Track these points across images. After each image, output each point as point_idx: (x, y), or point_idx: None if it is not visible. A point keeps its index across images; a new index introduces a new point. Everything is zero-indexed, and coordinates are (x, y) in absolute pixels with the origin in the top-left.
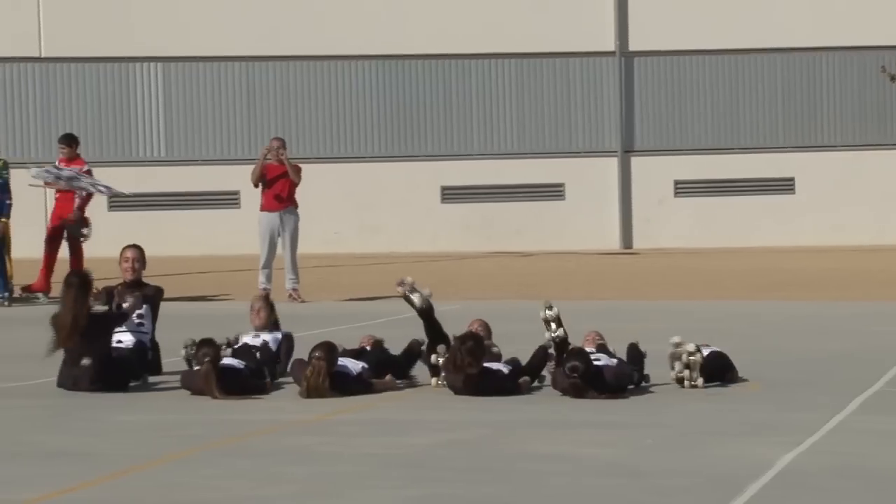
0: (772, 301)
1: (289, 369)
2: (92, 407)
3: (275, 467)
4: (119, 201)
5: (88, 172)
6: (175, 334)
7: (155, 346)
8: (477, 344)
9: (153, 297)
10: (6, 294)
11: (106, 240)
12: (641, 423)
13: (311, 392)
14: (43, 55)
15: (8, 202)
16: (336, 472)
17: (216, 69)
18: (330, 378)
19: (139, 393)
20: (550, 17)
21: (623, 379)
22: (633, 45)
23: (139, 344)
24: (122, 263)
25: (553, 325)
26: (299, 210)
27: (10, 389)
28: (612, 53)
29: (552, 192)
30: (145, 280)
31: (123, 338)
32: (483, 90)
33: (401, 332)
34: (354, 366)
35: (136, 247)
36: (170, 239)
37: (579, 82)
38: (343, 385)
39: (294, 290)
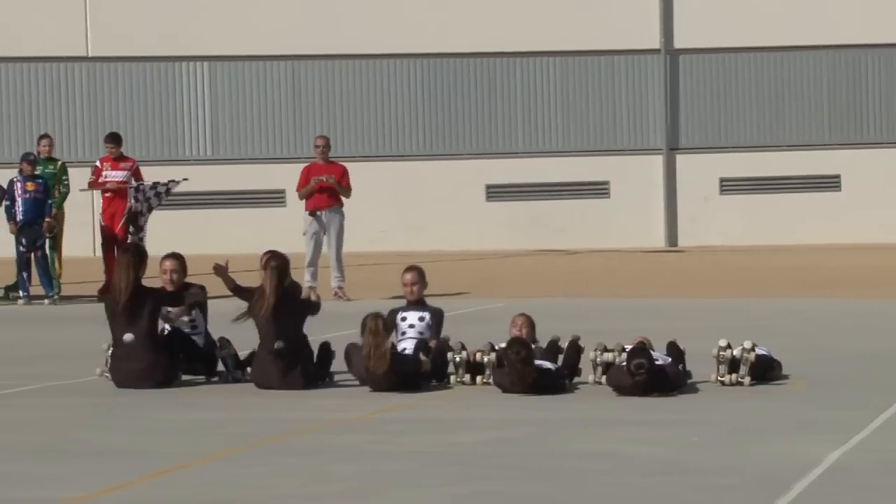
0: (818, 299)
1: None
2: (139, 405)
3: (321, 465)
4: (168, 203)
5: (137, 171)
6: (218, 333)
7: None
8: (528, 350)
9: (198, 299)
10: (54, 293)
11: (154, 240)
12: (687, 421)
13: (372, 356)
14: (90, 55)
15: (50, 201)
16: (382, 470)
17: (261, 68)
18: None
19: (185, 390)
20: (595, 14)
21: (681, 377)
22: (678, 43)
23: (207, 346)
24: (162, 275)
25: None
26: (344, 209)
27: (58, 387)
28: (657, 51)
29: (597, 189)
30: (187, 281)
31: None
32: (528, 88)
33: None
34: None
35: (175, 256)
36: (216, 237)
37: (624, 80)
38: (398, 363)
39: (339, 288)
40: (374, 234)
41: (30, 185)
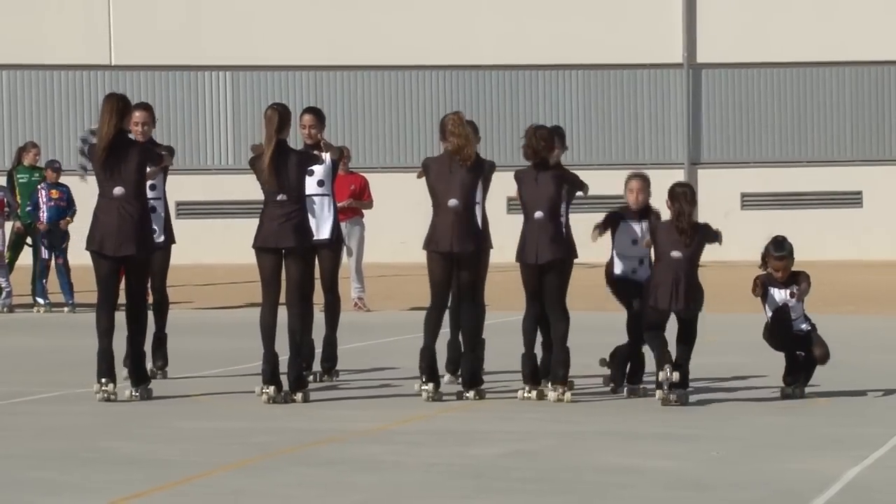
0: (840, 315)
1: None
2: (160, 414)
3: (340, 476)
4: (189, 212)
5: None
6: (243, 342)
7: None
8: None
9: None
10: (71, 302)
11: (175, 247)
12: (707, 436)
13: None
14: (113, 63)
15: (30, 208)
16: (401, 481)
17: (284, 78)
18: None
19: (206, 399)
20: (619, 28)
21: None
22: (701, 58)
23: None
24: (133, 126)
25: None
26: (365, 220)
27: (79, 395)
28: (679, 65)
29: (618, 203)
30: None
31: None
32: (550, 101)
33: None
34: None
35: (146, 107)
36: (238, 247)
37: (647, 94)
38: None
39: (360, 298)
40: (395, 245)
41: (54, 193)
